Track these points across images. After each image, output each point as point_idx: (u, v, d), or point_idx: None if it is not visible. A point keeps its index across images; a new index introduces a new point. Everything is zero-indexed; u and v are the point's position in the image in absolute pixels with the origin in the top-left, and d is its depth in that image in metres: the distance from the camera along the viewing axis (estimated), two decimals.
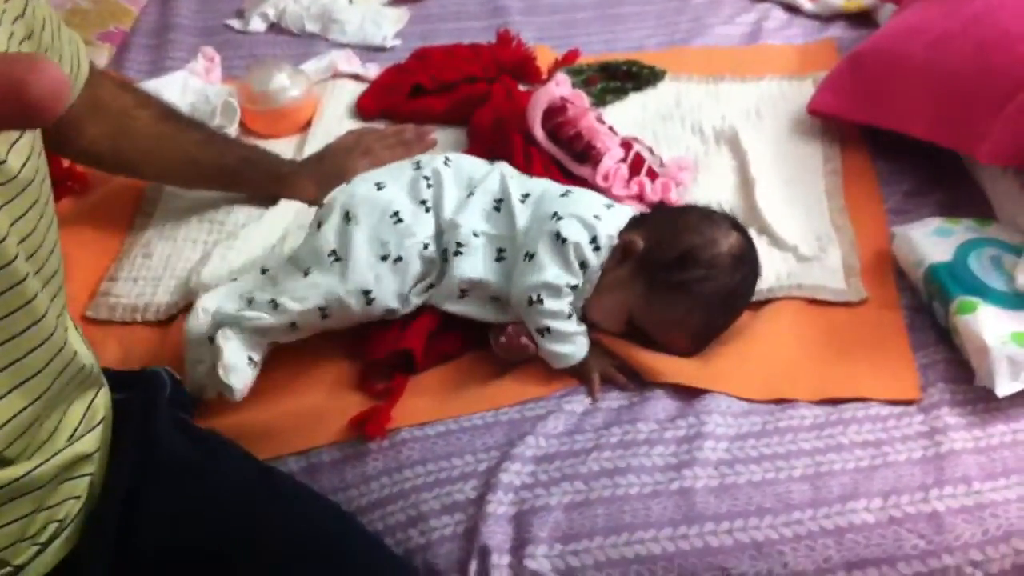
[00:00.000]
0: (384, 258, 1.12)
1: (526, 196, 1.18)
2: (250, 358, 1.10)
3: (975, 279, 1.13)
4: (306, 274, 1.12)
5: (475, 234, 1.14)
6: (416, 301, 1.15)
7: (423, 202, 1.16)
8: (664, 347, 1.14)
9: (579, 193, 1.20)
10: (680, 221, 1.16)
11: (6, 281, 0.73)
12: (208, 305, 1.15)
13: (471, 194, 1.17)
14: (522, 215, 1.16)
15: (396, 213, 1.14)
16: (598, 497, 0.99)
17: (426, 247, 1.14)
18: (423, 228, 1.14)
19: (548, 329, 1.10)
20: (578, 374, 1.13)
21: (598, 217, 1.14)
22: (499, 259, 1.14)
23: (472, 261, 1.14)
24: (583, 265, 1.12)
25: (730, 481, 1.00)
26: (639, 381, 1.12)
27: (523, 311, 1.12)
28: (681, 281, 1.11)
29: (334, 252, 1.12)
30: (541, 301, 1.10)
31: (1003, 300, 1.10)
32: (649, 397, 1.10)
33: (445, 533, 0.98)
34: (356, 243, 1.12)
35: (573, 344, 1.11)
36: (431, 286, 1.16)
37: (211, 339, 1.11)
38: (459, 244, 1.14)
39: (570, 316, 1.12)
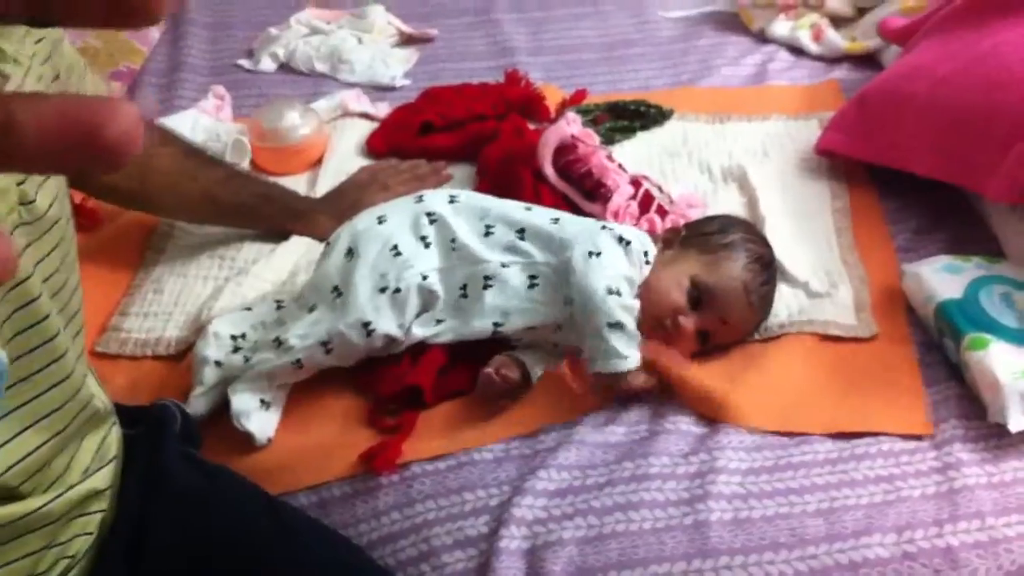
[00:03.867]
0: (383, 290, 1.12)
1: (556, 220, 1.20)
2: (262, 401, 1.11)
3: (986, 316, 1.13)
4: (311, 311, 1.14)
5: (504, 265, 1.15)
6: (419, 333, 1.14)
7: (423, 238, 1.17)
8: (724, 322, 1.16)
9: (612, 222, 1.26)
10: (705, 216, 1.31)
11: (29, 319, 0.73)
12: (220, 330, 1.16)
13: (489, 229, 1.18)
14: (563, 230, 1.17)
15: (395, 246, 1.15)
16: (611, 531, 0.99)
17: (425, 278, 1.14)
18: (422, 261, 1.15)
19: (621, 324, 1.08)
20: (616, 386, 1.10)
21: (640, 234, 1.20)
22: (532, 286, 1.14)
23: (505, 291, 1.14)
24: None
25: (744, 515, 1.00)
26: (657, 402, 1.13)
27: (595, 305, 1.08)
28: (728, 243, 1.18)
29: (336, 288, 1.13)
30: (620, 294, 1.09)
31: (1014, 337, 1.10)
32: (660, 432, 1.09)
33: (457, 568, 0.98)
34: (357, 277, 1.12)
35: (633, 350, 1.09)
36: (439, 321, 1.16)
37: (218, 363, 1.13)
38: (487, 278, 1.14)
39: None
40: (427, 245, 1.16)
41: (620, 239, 1.15)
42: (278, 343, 1.11)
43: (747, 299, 1.16)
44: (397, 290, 1.12)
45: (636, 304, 1.10)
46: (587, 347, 1.10)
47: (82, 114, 0.27)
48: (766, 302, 1.20)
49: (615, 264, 1.12)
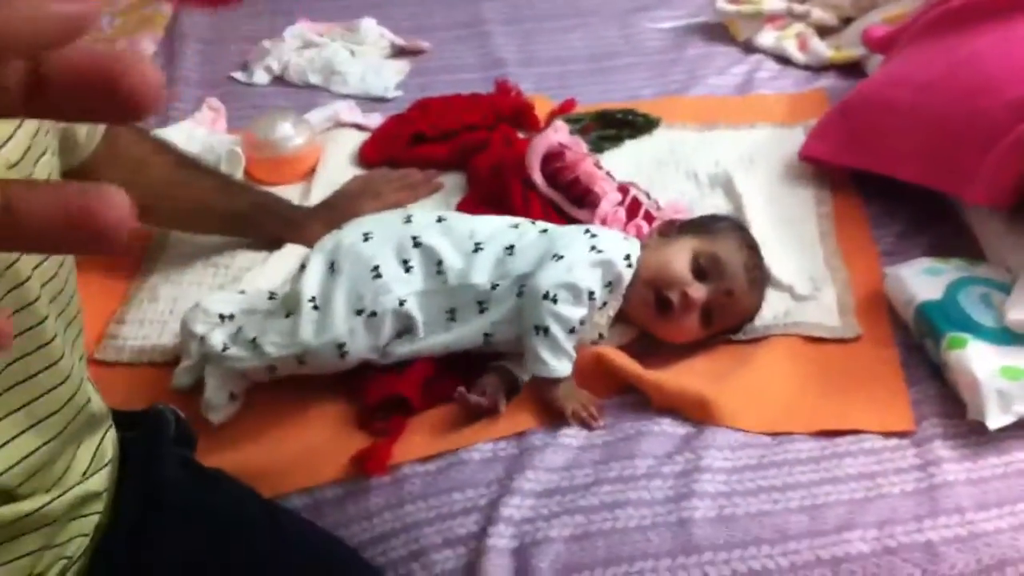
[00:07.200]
0: (359, 312, 1.13)
1: (544, 231, 1.22)
2: (232, 394, 1.15)
3: (965, 316, 1.15)
4: (287, 316, 1.15)
5: (494, 286, 1.15)
6: (400, 351, 1.15)
7: (405, 261, 1.17)
8: (730, 293, 1.18)
9: (599, 227, 1.27)
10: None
11: (27, 321, 0.74)
12: (209, 307, 1.19)
13: (479, 246, 1.18)
14: (550, 239, 1.18)
15: (376, 268, 1.15)
16: (598, 529, 1.01)
17: (402, 303, 1.14)
18: (401, 285, 1.15)
19: (547, 330, 1.09)
20: (553, 399, 1.12)
21: (627, 239, 1.22)
22: (520, 294, 1.15)
23: (500, 309, 1.15)
24: (609, 285, 1.15)
25: (728, 512, 1.01)
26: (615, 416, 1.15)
27: (531, 303, 1.10)
28: (721, 228, 1.25)
29: (314, 299, 1.14)
30: (555, 301, 1.09)
31: (992, 336, 1.12)
32: (646, 433, 1.11)
33: (447, 567, 0.99)
34: (336, 294, 1.13)
35: (560, 361, 1.11)
36: (421, 339, 1.16)
37: (202, 339, 1.16)
38: (481, 302, 1.15)
39: (572, 332, 1.11)
40: (408, 269, 1.16)
41: (594, 248, 1.15)
42: (254, 345, 1.13)
43: (746, 275, 1.19)
44: (373, 313, 1.13)
45: (574, 315, 1.10)
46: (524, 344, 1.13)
47: (73, 202, 0.28)
48: (760, 287, 1.23)
49: (569, 270, 1.12)
